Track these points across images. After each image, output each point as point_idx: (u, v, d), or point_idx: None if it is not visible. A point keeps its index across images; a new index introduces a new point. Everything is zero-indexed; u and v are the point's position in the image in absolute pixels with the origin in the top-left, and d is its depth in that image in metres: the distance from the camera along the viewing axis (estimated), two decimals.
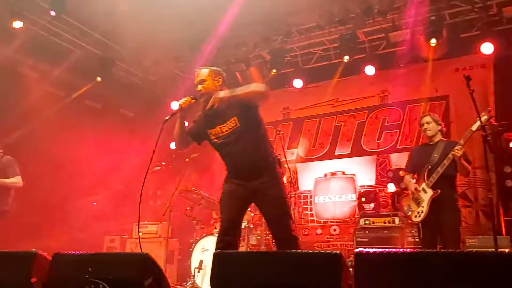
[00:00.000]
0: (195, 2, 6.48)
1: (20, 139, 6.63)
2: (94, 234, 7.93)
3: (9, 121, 6.73)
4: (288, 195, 3.74)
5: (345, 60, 7.50)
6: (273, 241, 3.68)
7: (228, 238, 3.46)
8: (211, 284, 2.39)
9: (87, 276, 2.71)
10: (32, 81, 7.58)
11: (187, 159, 6.22)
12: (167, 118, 3.66)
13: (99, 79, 7.99)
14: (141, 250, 3.81)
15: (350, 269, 2.23)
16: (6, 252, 3.31)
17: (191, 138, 3.77)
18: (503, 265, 1.69)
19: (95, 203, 8.54)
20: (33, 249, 3.14)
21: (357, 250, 2.03)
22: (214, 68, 3.71)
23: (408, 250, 1.98)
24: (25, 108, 7.10)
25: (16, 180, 5.56)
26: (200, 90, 3.61)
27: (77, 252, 3.00)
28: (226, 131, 3.56)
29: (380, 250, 1.97)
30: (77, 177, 7.60)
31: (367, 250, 1.99)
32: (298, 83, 8.25)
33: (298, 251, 2.30)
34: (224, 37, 7.38)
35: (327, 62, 8.22)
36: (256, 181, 3.51)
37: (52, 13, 6.80)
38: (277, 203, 3.51)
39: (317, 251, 2.26)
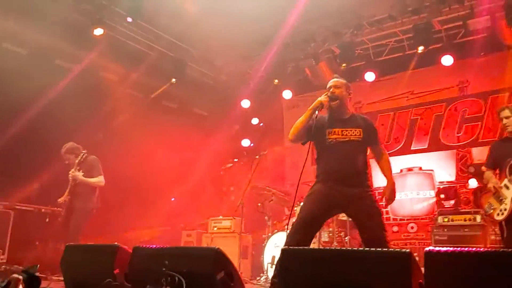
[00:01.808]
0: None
1: (103, 139, 7.06)
2: (172, 229, 8.31)
3: (92, 122, 7.21)
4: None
5: (419, 51, 7.18)
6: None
7: (299, 236, 3.48)
8: (279, 280, 2.42)
9: (163, 269, 2.86)
10: (113, 84, 8.08)
11: (257, 156, 6.30)
12: (315, 115, 3.75)
13: (174, 80, 8.33)
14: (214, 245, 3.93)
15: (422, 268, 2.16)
16: (92, 246, 3.59)
17: (307, 134, 3.80)
18: None
19: (173, 199, 8.93)
20: (116, 243, 3.37)
21: (427, 248, 1.96)
22: (348, 83, 3.95)
23: (481, 249, 1.87)
24: (106, 109, 7.59)
25: (99, 179, 5.89)
26: (333, 92, 3.80)
27: (154, 246, 3.17)
28: (346, 135, 3.75)
29: (451, 249, 1.89)
30: (156, 174, 7.97)
31: (437, 248, 1.91)
32: (370, 76, 8.04)
33: (368, 249, 2.26)
34: (293, 33, 7.37)
35: (401, 54, 7.93)
36: (354, 189, 3.62)
37: (129, 19, 7.19)
38: (374, 214, 3.61)
39: (387, 249, 2.20)
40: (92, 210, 5.89)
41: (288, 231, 3.62)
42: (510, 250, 1.75)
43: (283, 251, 2.53)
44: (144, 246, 3.17)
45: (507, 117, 4.41)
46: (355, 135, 3.72)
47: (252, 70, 8.72)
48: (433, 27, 7.09)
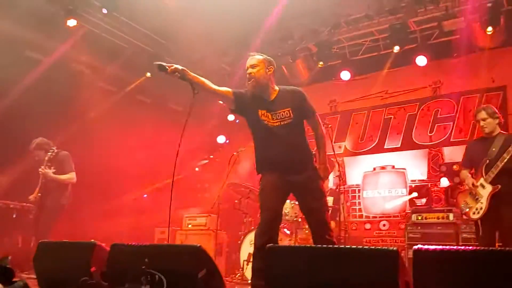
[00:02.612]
0: None
1: (75, 134, 6.88)
2: (144, 225, 8.18)
3: (64, 116, 7.01)
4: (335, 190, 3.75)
5: (395, 51, 7.29)
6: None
7: (267, 237, 3.43)
8: (265, 277, 2.39)
9: (143, 267, 2.79)
10: (86, 77, 7.87)
11: (235, 153, 6.26)
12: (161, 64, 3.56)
13: (148, 74, 8.19)
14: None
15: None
16: (67, 243, 3.47)
17: (235, 101, 3.69)
18: None
19: (145, 195, 8.80)
20: (92, 240, 3.27)
21: (416, 247, 1.97)
22: (269, 57, 3.71)
23: (469, 247, 1.90)
24: (79, 103, 7.39)
25: (71, 176, 5.76)
26: (250, 73, 3.61)
27: (134, 243, 3.09)
28: (276, 119, 3.57)
29: (440, 247, 1.91)
30: (129, 170, 7.83)
31: (426, 247, 1.92)
32: (345, 75, 8.11)
33: (354, 246, 2.26)
34: (270, 30, 7.34)
35: (376, 53, 8.02)
36: (299, 175, 3.55)
37: (104, 10, 7.01)
38: (317, 197, 3.57)
39: (374, 247, 2.21)
40: (64, 207, 5.75)
41: (255, 231, 3.59)
42: (498, 248, 1.77)
43: (268, 248, 2.50)
44: (123, 243, 3.09)
45: (483, 119, 4.51)
46: (286, 116, 3.55)
47: (229, 66, 8.65)
48: (409, 28, 7.20)
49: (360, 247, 2.21)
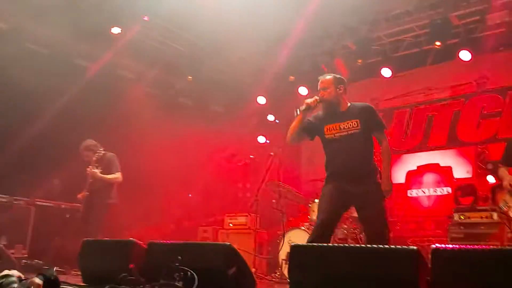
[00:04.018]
0: None
1: (121, 136, 7.17)
2: (189, 224, 8.41)
3: (111, 119, 7.34)
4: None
5: (436, 46, 7.10)
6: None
7: (322, 240, 3.51)
8: (289, 276, 2.45)
9: (177, 264, 2.92)
10: (130, 82, 8.20)
11: (272, 153, 6.32)
12: (297, 112, 3.92)
13: (190, 77, 8.42)
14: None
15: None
16: (108, 241, 3.68)
17: (306, 133, 4.00)
18: None
19: (189, 195, 9.03)
20: (131, 238, 3.45)
21: (434, 246, 1.97)
22: (338, 76, 3.99)
23: (488, 246, 1.88)
24: (124, 107, 7.71)
25: (117, 176, 6.00)
26: (322, 95, 3.88)
27: (169, 242, 3.24)
28: (343, 128, 3.82)
29: (458, 246, 1.90)
30: (173, 171, 8.07)
31: (444, 246, 1.92)
32: (386, 72, 7.97)
33: (376, 246, 2.28)
34: (308, 29, 7.35)
35: (417, 49, 7.84)
36: (359, 186, 3.68)
37: (146, 18, 7.28)
38: (375, 210, 3.67)
39: (395, 246, 2.22)
40: (111, 206, 6.00)
41: (309, 238, 3.70)
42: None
43: (293, 247, 2.56)
44: (159, 241, 3.24)
45: None
46: (353, 127, 3.76)
47: (268, 66, 8.73)
48: (450, 22, 6.99)
49: (382, 246, 2.22)
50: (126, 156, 6.48)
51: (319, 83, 3.94)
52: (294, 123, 3.92)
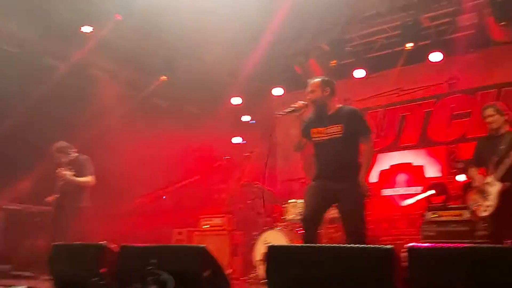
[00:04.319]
0: None
1: (93, 138, 7.03)
2: (163, 226, 8.30)
3: (83, 120, 7.18)
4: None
5: (408, 48, 7.22)
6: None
7: (312, 230, 3.78)
8: (266, 277, 2.44)
9: (151, 267, 2.86)
10: (102, 82, 8.05)
11: (247, 154, 6.30)
12: (280, 113, 4.11)
13: (164, 78, 8.31)
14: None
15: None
16: (79, 245, 3.59)
17: (304, 137, 4.14)
18: None
19: (164, 197, 8.92)
20: (103, 242, 3.37)
21: (409, 245, 1.99)
22: (326, 79, 4.10)
23: (462, 244, 1.90)
24: (97, 108, 7.56)
25: (89, 179, 5.85)
26: (310, 98, 4.02)
27: (142, 245, 3.18)
28: (327, 133, 3.95)
29: (433, 244, 1.92)
30: (146, 173, 7.96)
31: (420, 245, 1.94)
32: (359, 73, 8.05)
33: (351, 245, 2.28)
34: (282, 30, 7.36)
35: (390, 50, 7.93)
36: (340, 183, 3.82)
37: (118, 16, 7.15)
38: (356, 208, 3.81)
39: (370, 245, 2.23)
40: (82, 209, 5.86)
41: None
42: (490, 245, 1.78)
43: (269, 248, 2.54)
44: (132, 244, 3.18)
45: (491, 115, 4.50)
46: (336, 132, 3.89)
47: (243, 67, 8.70)
48: (422, 24, 7.11)
49: (358, 245, 2.23)
50: (99, 157, 6.35)
51: (308, 86, 4.06)
52: (294, 131, 4.09)
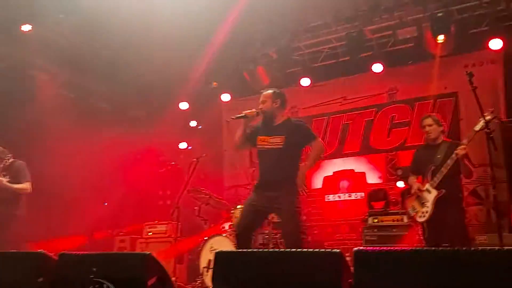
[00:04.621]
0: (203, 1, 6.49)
1: (31, 142, 6.69)
2: (105, 234, 8.01)
3: (20, 123, 6.81)
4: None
5: (352, 58, 7.45)
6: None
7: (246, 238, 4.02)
8: (213, 282, 2.41)
9: (91, 276, 2.75)
10: (43, 83, 7.68)
11: (194, 159, 6.23)
12: (232, 118, 4.32)
13: (107, 81, 8.07)
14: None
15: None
16: (16, 253, 3.38)
17: (248, 141, 4.36)
18: (497, 261, 1.68)
19: (105, 204, 8.63)
20: (40, 250, 3.19)
21: (356, 248, 2.03)
22: (278, 91, 4.34)
23: (406, 248, 1.98)
24: (36, 110, 7.19)
25: (25, 187, 5.55)
26: (261, 108, 4.23)
27: (82, 253, 3.04)
28: (271, 142, 4.16)
29: (379, 248, 1.97)
30: (87, 178, 7.67)
31: (366, 248, 1.98)
32: (305, 81, 8.22)
33: (299, 250, 2.30)
34: (231, 36, 7.37)
35: (335, 61, 8.17)
36: (276, 192, 4.00)
37: (61, 15, 6.87)
38: (292, 214, 3.99)
39: (318, 249, 2.26)
40: (18, 217, 5.56)
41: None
42: (433, 248, 1.85)
43: (217, 254, 2.52)
44: (71, 252, 3.03)
45: (430, 125, 4.75)
46: (278, 143, 4.09)
47: (191, 72, 8.61)
48: (365, 36, 7.38)
49: (305, 250, 2.25)
50: (37, 163, 6.05)
51: (260, 96, 4.29)
52: (238, 132, 4.28)
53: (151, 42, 7.51)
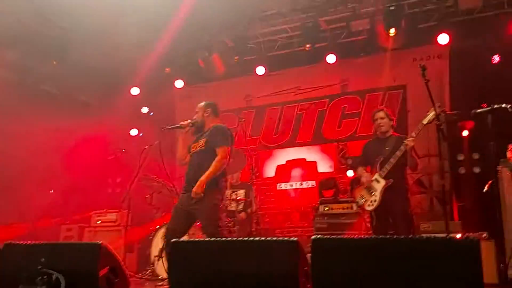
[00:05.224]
0: None
1: None
2: (50, 223, 7.71)
3: None
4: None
5: (306, 48, 7.51)
6: None
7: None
8: (169, 273, 2.37)
9: (39, 267, 2.63)
10: None
11: (146, 146, 6.09)
12: (167, 127, 4.68)
13: (55, 62, 7.70)
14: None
15: (308, 255, 2.26)
16: None
17: (188, 153, 4.58)
18: (439, 249, 1.77)
19: (51, 191, 8.30)
20: None
21: (314, 236, 2.06)
22: (209, 102, 4.69)
23: (362, 236, 2.03)
24: None
25: None
26: (194, 118, 4.59)
27: (29, 242, 2.91)
28: (196, 146, 4.46)
29: (336, 236, 2.01)
30: (32, 165, 7.33)
31: (324, 236, 2.02)
32: (260, 70, 8.21)
33: (257, 238, 2.30)
34: (186, 22, 7.22)
35: (290, 50, 8.22)
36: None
37: None
38: (208, 216, 4.17)
39: (275, 238, 2.28)
40: None
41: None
42: (385, 237, 1.90)
43: (172, 244, 2.48)
44: (17, 242, 2.89)
45: (382, 118, 4.91)
46: (201, 145, 4.40)
47: (144, 57, 8.37)
48: (320, 26, 7.45)
49: (263, 238, 2.26)
50: None
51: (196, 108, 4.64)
52: (178, 148, 4.62)
53: (102, 24, 7.22)
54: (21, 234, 7.12)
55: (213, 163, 4.23)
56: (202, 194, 4.11)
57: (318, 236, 2.05)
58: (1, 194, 6.87)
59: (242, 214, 6.46)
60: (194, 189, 4.14)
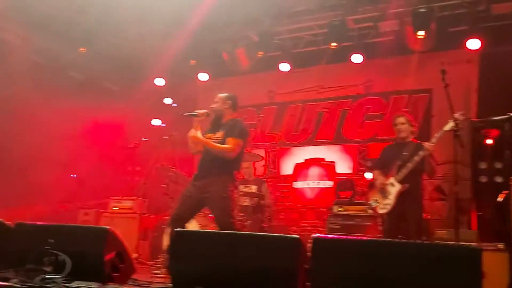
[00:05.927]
0: None
1: None
2: (70, 206, 7.88)
3: None
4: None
5: (332, 47, 7.42)
6: None
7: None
8: (170, 261, 2.38)
9: (48, 247, 2.69)
10: (13, 47, 7.40)
11: (165, 137, 6.15)
12: (184, 114, 4.53)
13: (83, 49, 7.84)
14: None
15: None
16: None
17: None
18: (440, 255, 1.73)
19: (74, 175, 8.47)
20: None
21: (314, 235, 2.04)
22: (230, 95, 4.61)
23: (362, 238, 2.00)
24: (3, 75, 6.94)
25: None
26: (212, 107, 4.54)
27: (40, 223, 2.97)
28: (213, 138, 4.38)
29: (337, 236, 1.99)
30: (56, 149, 7.48)
31: (324, 236, 2.00)
32: (284, 67, 8.16)
33: (260, 233, 2.30)
34: (211, 15, 7.24)
35: (315, 48, 8.13)
36: (205, 180, 4.24)
37: None
38: (221, 200, 4.15)
39: (277, 234, 2.26)
40: None
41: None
42: (387, 240, 1.87)
43: (176, 233, 2.49)
44: (28, 222, 2.96)
45: (402, 123, 4.87)
46: (218, 138, 4.34)
47: (168, 48, 8.44)
48: (347, 25, 7.34)
49: (265, 234, 2.24)
50: (1, 129, 5.86)
51: (215, 98, 4.58)
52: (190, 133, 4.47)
53: (129, 15, 7.32)
54: (42, 215, 7.30)
55: (222, 146, 4.26)
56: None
57: (319, 235, 2.03)
58: (25, 176, 7.05)
59: (254, 207, 6.46)
60: (190, 133, 4.26)
